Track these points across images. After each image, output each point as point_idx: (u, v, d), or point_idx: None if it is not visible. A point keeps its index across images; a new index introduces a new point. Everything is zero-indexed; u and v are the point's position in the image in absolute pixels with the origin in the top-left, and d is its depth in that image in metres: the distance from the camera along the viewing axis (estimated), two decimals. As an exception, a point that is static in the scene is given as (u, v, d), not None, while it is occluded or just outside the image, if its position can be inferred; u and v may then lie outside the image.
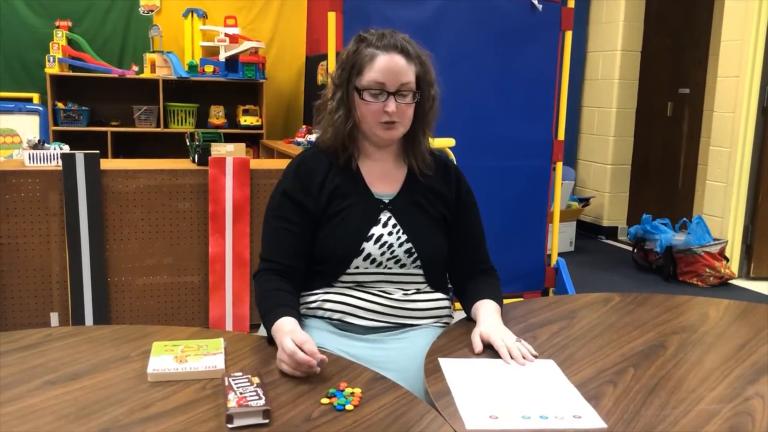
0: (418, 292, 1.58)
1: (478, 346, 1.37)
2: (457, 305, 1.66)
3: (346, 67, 1.55)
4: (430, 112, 1.59)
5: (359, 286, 1.54)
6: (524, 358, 1.32)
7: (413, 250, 1.55)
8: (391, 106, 1.50)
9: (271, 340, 1.37)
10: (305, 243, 1.54)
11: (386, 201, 1.58)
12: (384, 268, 1.54)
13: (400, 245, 1.54)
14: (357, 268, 1.53)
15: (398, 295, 1.55)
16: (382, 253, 1.53)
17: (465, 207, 1.65)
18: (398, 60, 1.51)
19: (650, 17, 5.51)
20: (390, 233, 1.54)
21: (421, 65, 1.54)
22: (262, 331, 1.57)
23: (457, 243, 1.63)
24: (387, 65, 1.50)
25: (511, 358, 1.31)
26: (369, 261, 1.53)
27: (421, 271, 1.57)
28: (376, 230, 1.54)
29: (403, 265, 1.55)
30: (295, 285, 1.52)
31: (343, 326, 1.53)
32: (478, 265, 1.65)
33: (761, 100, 4.42)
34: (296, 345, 1.22)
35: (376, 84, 1.50)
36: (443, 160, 1.68)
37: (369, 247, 1.52)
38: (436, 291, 1.61)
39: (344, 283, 1.54)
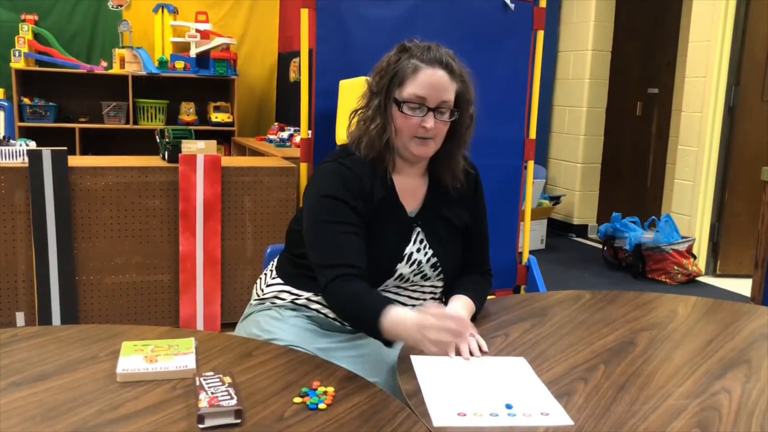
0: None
1: None
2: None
3: (387, 75, 1.49)
4: (466, 132, 1.55)
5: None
6: (472, 354, 1.31)
7: (438, 264, 1.55)
8: (429, 122, 1.45)
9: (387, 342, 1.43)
10: (365, 244, 1.47)
11: (414, 216, 1.55)
12: (409, 283, 1.54)
13: (428, 261, 1.54)
14: (386, 285, 1.52)
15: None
16: (413, 272, 1.52)
17: (478, 210, 1.66)
18: (441, 76, 1.46)
19: (620, 18, 5.58)
20: (418, 250, 1.53)
21: (462, 83, 1.50)
22: (237, 329, 1.56)
23: (465, 244, 1.63)
24: (430, 80, 1.45)
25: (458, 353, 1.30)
26: (399, 279, 1.52)
27: (441, 283, 1.58)
28: (408, 249, 1.52)
29: (427, 279, 1.56)
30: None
31: (325, 324, 1.53)
32: (475, 267, 1.66)
33: (727, 100, 4.50)
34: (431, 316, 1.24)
35: (416, 98, 1.45)
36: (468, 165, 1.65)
37: (402, 267, 1.51)
38: (442, 302, 1.60)
39: None
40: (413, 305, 1.54)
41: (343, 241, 1.44)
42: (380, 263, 1.48)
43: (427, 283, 1.56)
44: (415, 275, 1.53)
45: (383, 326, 1.33)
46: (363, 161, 1.51)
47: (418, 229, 1.54)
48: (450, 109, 1.48)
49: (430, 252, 1.54)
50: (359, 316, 1.40)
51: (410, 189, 1.57)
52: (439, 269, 1.55)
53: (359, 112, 1.55)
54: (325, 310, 1.53)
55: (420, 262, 1.52)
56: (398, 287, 1.53)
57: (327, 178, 1.50)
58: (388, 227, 1.50)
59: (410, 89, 1.45)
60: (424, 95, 1.45)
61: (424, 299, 1.56)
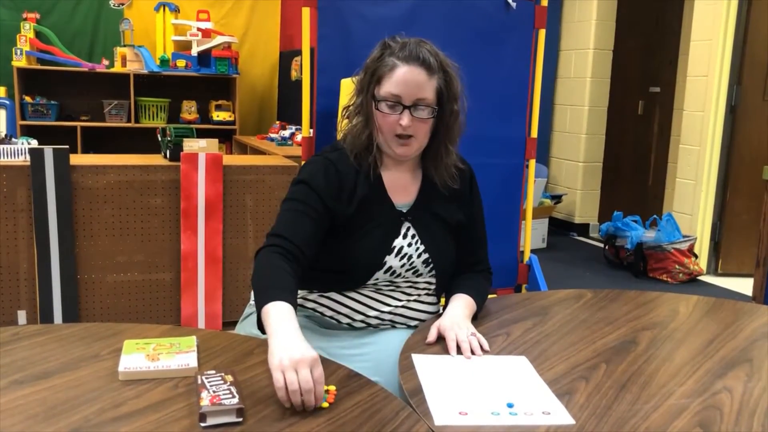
0: (417, 300, 1.57)
1: (431, 337, 1.38)
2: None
3: (368, 73, 1.50)
4: (453, 127, 1.53)
5: (366, 289, 1.53)
6: (473, 353, 1.32)
7: (430, 260, 1.54)
8: (405, 119, 1.45)
9: (260, 325, 1.24)
10: (319, 236, 1.46)
11: (404, 211, 1.55)
12: (401, 278, 1.54)
13: (419, 256, 1.53)
14: (377, 279, 1.52)
15: (395, 303, 1.54)
16: (402, 265, 1.52)
17: (474, 209, 1.65)
18: (418, 73, 1.45)
19: (622, 16, 5.57)
20: (409, 244, 1.53)
21: (444, 79, 1.49)
22: (237, 329, 1.56)
23: (460, 242, 1.62)
24: (405, 78, 1.44)
25: (460, 352, 1.32)
26: (389, 273, 1.52)
27: (434, 280, 1.58)
28: (398, 242, 1.52)
29: (420, 275, 1.55)
30: (299, 272, 1.39)
31: (322, 322, 1.53)
32: (473, 266, 1.65)
33: (729, 99, 4.49)
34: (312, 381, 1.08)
35: (392, 96, 1.45)
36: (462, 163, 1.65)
37: (391, 260, 1.51)
38: (438, 298, 1.60)
39: (356, 291, 1.53)
40: (408, 300, 1.55)
41: (294, 218, 1.45)
42: (369, 254, 1.49)
43: (420, 279, 1.56)
44: (406, 270, 1.53)
45: (263, 311, 1.24)
46: (348, 156, 1.53)
47: (408, 224, 1.54)
48: (429, 106, 1.47)
49: (422, 248, 1.54)
50: (257, 288, 1.35)
51: (401, 184, 1.57)
52: (431, 266, 1.55)
53: (348, 108, 1.57)
54: (321, 309, 1.53)
55: (410, 257, 1.52)
56: (391, 282, 1.53)
57: (308, 168, 1.53)
58: (375, 221, 1.51)
59: (387, 87, 1.46)
60: (399, 93, 1.45)
61: (419, 295, 1.56)
